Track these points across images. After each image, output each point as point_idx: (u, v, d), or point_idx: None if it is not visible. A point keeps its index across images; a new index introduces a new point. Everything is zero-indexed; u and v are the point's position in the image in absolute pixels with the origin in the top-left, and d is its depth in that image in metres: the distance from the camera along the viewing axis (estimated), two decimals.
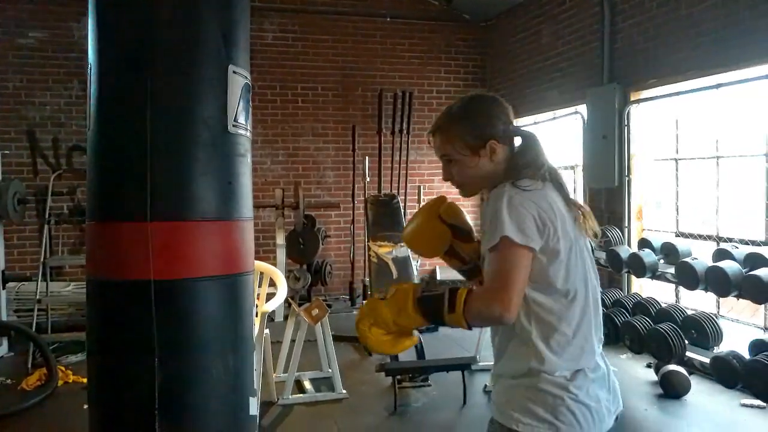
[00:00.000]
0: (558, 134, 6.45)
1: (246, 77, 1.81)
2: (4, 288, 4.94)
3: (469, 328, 1.41)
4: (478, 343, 4.68)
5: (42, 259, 5.15)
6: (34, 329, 4.80)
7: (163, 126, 1.63)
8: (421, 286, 1.43)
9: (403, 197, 7.13)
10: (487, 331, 3.77)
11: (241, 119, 1.78)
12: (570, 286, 1.45)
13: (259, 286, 4.19)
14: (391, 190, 7.04)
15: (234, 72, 1.74)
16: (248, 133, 1.84)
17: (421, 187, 7.07)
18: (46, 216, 5.31)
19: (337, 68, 7.18)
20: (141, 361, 1.58)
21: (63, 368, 4.37)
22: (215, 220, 1.69)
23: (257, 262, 4.38)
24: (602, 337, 1.55)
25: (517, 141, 1.56)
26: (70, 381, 4.25)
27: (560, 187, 1.52)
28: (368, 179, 6.78)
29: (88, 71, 1.78)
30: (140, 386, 1.58)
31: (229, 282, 1.71)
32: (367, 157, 6.77)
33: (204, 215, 1.66)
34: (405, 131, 7.16)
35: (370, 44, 7.27)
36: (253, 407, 1.79)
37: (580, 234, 1.50)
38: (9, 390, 4.16)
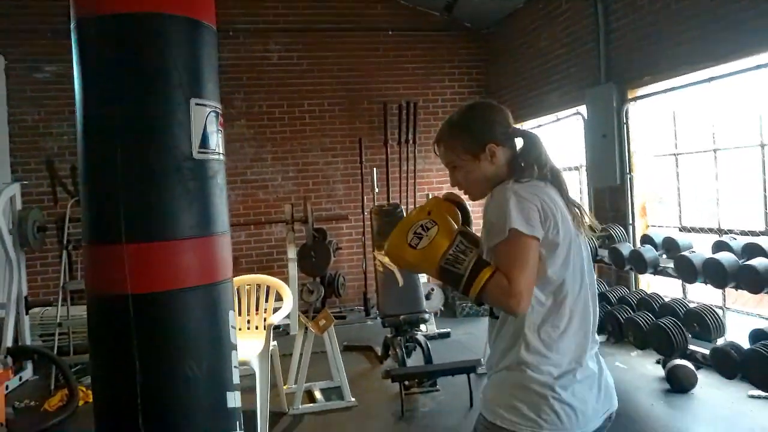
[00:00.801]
0: (561, 135, 6.48)
1: (212, 106, 1.94)
2: (27, 313, 5.14)
3: (480, 305, 1.49)
4: (486, 347, 4.71)
5: (61, 284, 5.35)
6: (56, 352, 4.98)
7: (132, 156, 1.80)
8: (454, 244, 1.47)
9: (413, 206, 7.22)
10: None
11: (211, 144, 1.91)
12: (565, 281, 1.49)
13: (266, 299, 4.31)
14: (399, 200, 7.14)
15: (197, 104, 1.88)
16: (219, 156, 1.98)
17: (429, 195, 7.14)
18: (64, 242, 5.51)
19: (342, 83, 7.32)
20: (124, 366, 1.77)
21: (84, 389, 4.52)
22: (188, 238, 1.84)
23: (264, 276, 4.53)
24: (597, 339, 1.58)
25: (519, 142, 1.63)
26: (90, 401, 4.39)
27: (560, 187, 1.58)
28: (377, 190, 6.88)
29: (77, 112, 1.95)
30: (124, 388, 1.77)
31: (204, 291, 1.88)
32: (375, 169, 6.87)
33: (176, 234, 1.83)
34: (411, 141, 7.26)
35: (373, 58, 7.41)
36: (233, 400, 1.95)
37: (578, 232, 1.55)
38: (32, 411, 4.33)
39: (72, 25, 1.92)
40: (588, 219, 1.59)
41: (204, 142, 1.89)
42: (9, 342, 4.58)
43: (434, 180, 7.49)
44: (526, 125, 7.03)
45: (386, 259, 5.29)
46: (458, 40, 7.67)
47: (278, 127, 7.17)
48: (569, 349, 1.49)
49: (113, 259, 1.78)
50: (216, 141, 1.95)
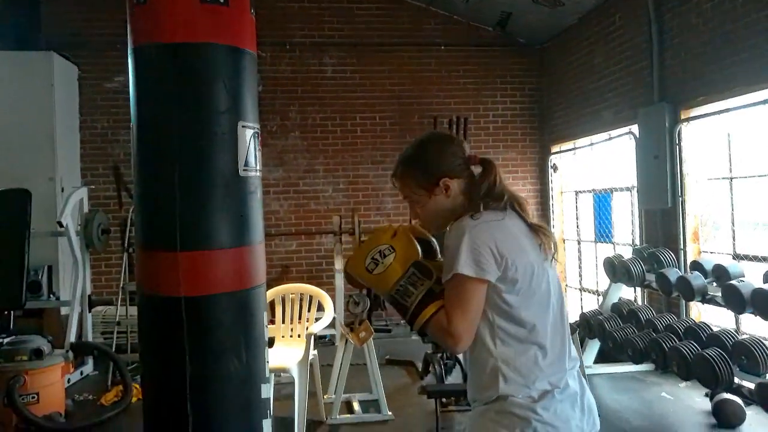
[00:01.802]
0: (613, 155, 6.38)
1: (254, 127, 2.11)
2: (90, 311, 5.45)
3: (423, 337, 1.59)
4: None
5: (122, 285, 5.65)
6: (114, 349, 5.27)
7: (188, 172, 2.00)
8: (407, 275, 1.52)
9: None
10: None
11: (251, 162, 2.09)
12: (531, 312, 1.51)
13: (309, 309, 4.43)
14: None
15: (243, 126, 2.06)
16: (257, 173, 2.15)
17: None
18: (126, 245, 5.82)
19: (394, 97, 7.43)
20: (175, 360, 1.99)
21: (137, 386, 4.76)
22: (230, 247, 2.05)
23: (306, 286, 4.65)
24: (575, 356, 1.60)
25: (477, 170, 1.63)
26: None
27: (522, 214, 1.58)
28: None
29: (131, 129, 2.12)
30: (175, 379, 2.00)
31: (242, 295, 2.09)
32: None
33: (220, 244, 2.04)
34: None
35: (425, 73, 7.49)
36: (265, 391, 2.18)
37: (544, 257, 1.56)
38: (90, 404, 4.61)
39: (129, 49, 2.09)
40: (550, 242, 1.58)
41: (247, 162, 2.07)
42: (72, 337, 4.87)
43: None
44: (578, 143, 6.96)
45: None
46: (511, 55, 7.66)
47: (331, 140, 7.34)
48: (547, 373, 1.51)
49: (168, 265, 1.99)
50: (256, 159, 2.12)
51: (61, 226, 4.99)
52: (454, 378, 4.74)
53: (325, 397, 4.36)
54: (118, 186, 7.03)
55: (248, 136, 2.05)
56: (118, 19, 6.65)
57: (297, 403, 3.82)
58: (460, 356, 4.72)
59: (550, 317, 1.55)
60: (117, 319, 5.55)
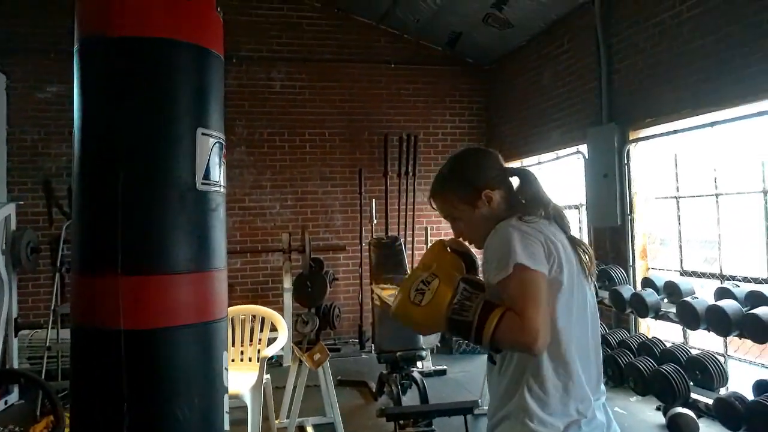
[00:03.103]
0: (561, 174, 6.49)
1: (217, 137, 1.89)
2: (16, 336, 5.03)
3: (497, 352, 1.46)
4: (483, 386, 4.63)
5: (53, 307, 5.26)
6: (43, 376, 4.87)
7: (133, 184, 1.73)
8: (458, 292, 1.40)
9: (411, 239, 7.19)
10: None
11: (213, 176, 1.86)
12: (568, 327, 1.43)
13: (261, 330, 4.23)
14: (398, 232, 7.11)
15: (203, 133, 1.83)
16: (221, 189, 1.93)
17: (428, 228, 7.11)
18: (58, 264, 5.44)
19: (344, 113, 7.34)
20: (110, 405, 1.68)
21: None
22: (186, 272, 1.78)
23: (259, 307, 4.45)
24: (603, 389, 1.53)
25: (516, 181, 1.62)
26: None
27: (563, 226, 1.54)
28: (375, 221, 6.85)
29: (73, 136, 1.89)
30: (109, 427, 1.68)
31: (200, 329, 1.81)
32: (374, 200, 6.85)
33: (174, 268, 1.76)
34: (411, 174, 7.26)
35: (375, 90, 7.45)
36: None
37: (584, 277, 1.50)
38: None
39: (75, 46, 1.87)
40: (592, 265, 1.53)
41: (207, 174, 1.84)
42: None
43: (432, 214, 7.45)
44: (526, 162, 7.04)
45: (384, 293, 5.24)
46: (460, 74, 7.73)
47: (278, 155, 7.16)
48: (573, 397, 1.42)
49: (106, 292, 1.71)
50: (219, 173, 1.91)
51: None
52: (410, 398, 4.62)
53: (277, 421, 4.16)
54: (49, 202, 6.60)
55: (209, 145, 1.83)
56: (51, 26, 6.39)
57: (250, 430, 3.61)
58: (416, 376, 4.64)
59: (585, 338, 1.48)
60: (47, 344, 5.15)
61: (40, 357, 5.29)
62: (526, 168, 1.66)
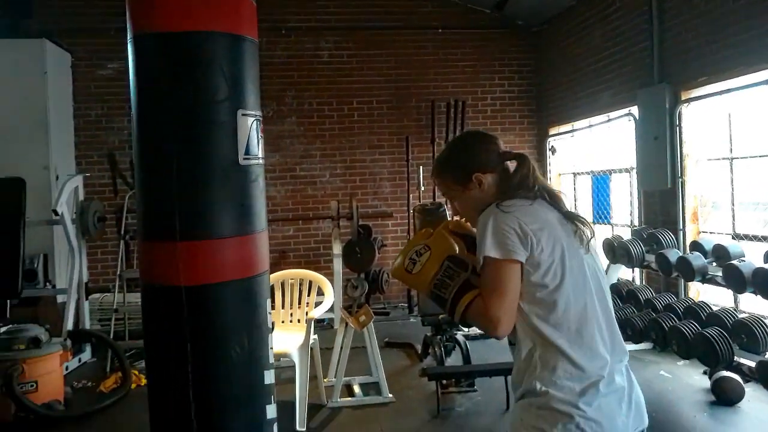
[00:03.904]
0: (612, 137, 6.34)
1: (255, 115, 2.09)
2: (87, 299, 5.42)
3: (467, 327, 1.61)
4: None
5: (118, 272, 5.62)
6: (112, 336, 5.25)
7: (186, 162, 1.99)
8: (442, 269, 1.56)
9: None
10: None
11: (252, 151, 2.07)
12: (561, 298, 1.49)
13: (309, 294, 4.42)
14: (445, 199, 7.13)
15: (243, 114, 2.04)
16: (260, 161, 2.13)
17: None
18: (122, 232, 5.78)
19: (391, 81, 7.37)
20: (177, 350, 1.99)
21: (136, 372, 4.75)
22: (230, 236, 2.04)
23: (307, 272, 4.64)
24: (625, 349, 1.57)
25: (513, 166, 1.67)
26: (142, 384, 4.60)
27: (555, 204, 1.61)
28: (423, 188, 6.91)
29: (131, 118, 2.12)
30: (177, 368, 2.00)
31: (243, 283, 2.08)
32: (421, 167, 6.90)
33: (222, 233, 2.03)
34: None
35: (422, 56, 7.43)
36: (269, 378, 2.18)
37: (580, 245, 1.56)
38: (89, 391, 4.59)
39: (129, 37, 2.06)
40: (589, 229, 1.60)
41: (248, 150, 2.05)
42: (69, 325, 4.85)
43: None
44: (576, 125, 6.92)
45: None
46: (509, 38, 7.60)
47: (327, 125, 7.29)
48: (586, 359, 1.47)
49: (168, 255, 1.99)
50: (258, 147, 2.10)
51: (57, 214, 4.95)
52: (454, 360, 4.74)
53: (325, 380, 4.35)
54: (113, 173, 6.94)
55: (249, 124, 2.03)
56: (111, 5, 6.65)
57: (298, 387, 3.82)
58: (460, 338, 4.74)
59: (590, 304, 1.53)
60: (114, 306, 5.53)
61: (109, 319, 5.69)
62: (524, 153, 1.70)
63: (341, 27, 7.27)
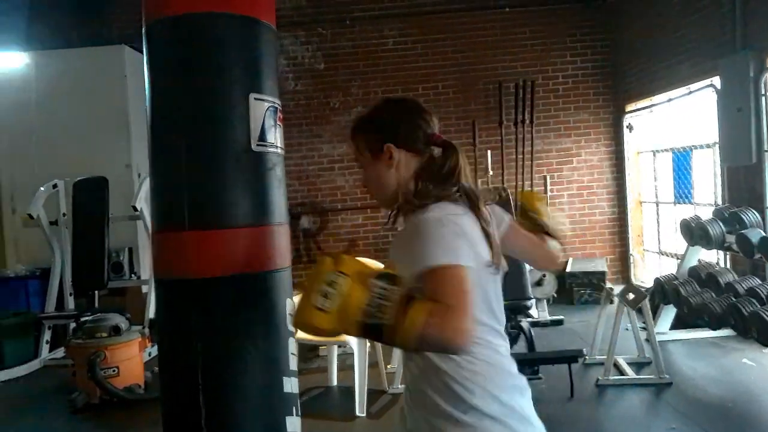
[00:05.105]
0: (693, 110, 5.94)
1: (271, 101, 1.99)
2: None
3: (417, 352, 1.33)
4: (595, 335, 4.52)
5: None
6: None
7: (195, 149, 1.90)
8: (372, 291, 1.18)
9: (530, 189, 7.03)
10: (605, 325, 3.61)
11: (267, 137, 1.97)
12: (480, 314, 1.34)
13: None
14: (515, 183, 6.99)
15: (255, 99, 1.94)
16: (277, 150, 2.03)
17: (548, 177, 6.91)
18: None
19: (456, 65, 7.25)
20: (186, 346, 1.88)
21: None
22: (243, 227, 1.91)
23: (367, 261, 4.66)
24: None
25: (438, 153, 1.45)
26: None
27: (474, 208, 1.40)
28: (491, 173, 6.78)
29: (146, 109, 2.08)
30: (186, 367, 1.88)
31: (259, 278, 1.93)
32: (489, 151, 6.76)
33: (231, 223, 1.90)
34: (528, 121, 7.04)
35: (488, 37, 7.24)
36: (289, 386, 1.98)
37: (493, 268, 1.39)
38: None
39: (143, 30, 2.03)
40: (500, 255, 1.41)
41: (262, 136, 1.94)
42: (151, 314, 5.15)
43: (554, 161, 7.21)
44: (655, 99, 6.53)
45: None
46: (580, 12, 7.26)
47: None
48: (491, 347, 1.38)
49: (176, 246, 1.90)
50: (274, 135, 2.00)
51: (136, 210, 5.27)
52: (520, 347, 4.63)
53: (387, 366, 4.39)
54: None
55: (263, 110, 1.95)
56: None
57: (357, 373, 3.87)
58: (524, 325, 4.62)
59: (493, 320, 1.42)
60: None
61: None
62: (453, 142, 1.45)
63: (404, 13, 7.22)
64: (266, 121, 1.96)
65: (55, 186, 5.72)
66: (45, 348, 5.53)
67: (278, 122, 2.04)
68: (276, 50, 2.11)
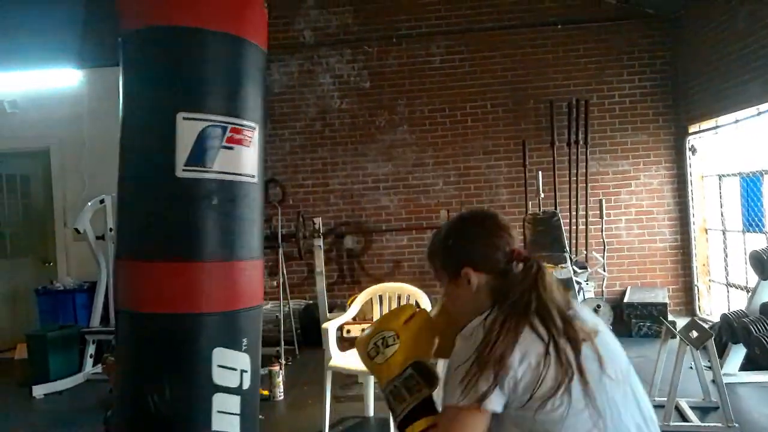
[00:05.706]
0: (764, 132, 5.52)
1: (209, 120, 1.74)
2: None
3: None
4: (655, 372, 4.17)
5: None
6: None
7: (123, 172, 1.86)
8: (404, 375, 1.30)
9: (585, 212, 6.70)
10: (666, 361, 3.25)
11: (207, 162, 1.74)
12: (577, 418, 1.22)
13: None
14: (569, 206, 6.68)
15: (184, 118, 1.72)
16: (226, 176, 1.79)
17: (603, 200, 6.56)
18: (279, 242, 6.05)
19: (506, 83, 7.02)
20: (132, 376, 1.88)
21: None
22: (160, 261, 1.75)
23: (403, 285, 4.44)
24: None
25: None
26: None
27: (548, 325, 1.24)
28: (542, 195, 6.48)
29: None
30: (129, 395, 1.88)
31: (173, 320, 1.79)
32: (540, 172, 6.48)
33: (150, 255, 1.77)
34: (583, 142, 6.74)
35: (540, 54, 6.99)
36: None
37: (576, 371, 1.25)
38: None
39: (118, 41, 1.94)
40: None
41: (194, 160, 1.72)
42: None
43: (610, 185, 6.85)
44: (720, 120, 6.13)
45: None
46: (638, 28, 6.92)
47: (440, 131, 7.09)
48: None
49: (116, 273, 1.92)
50: (214, 158, 1.76)
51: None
52: None
53: None
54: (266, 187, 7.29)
55: (196, 130, 1.70)
56: None
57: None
58: None
59: (624, 415, 1.27)
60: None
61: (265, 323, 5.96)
62: (538, 259, 1.30)
63: (452, 30, 7.05)
64: (202, 143, 1.71)
65: (102, 201, 5.79)
66: (89, 362, 5.55)
67: (241, 144, 1.77)
68: (243, 63, 1.86)
